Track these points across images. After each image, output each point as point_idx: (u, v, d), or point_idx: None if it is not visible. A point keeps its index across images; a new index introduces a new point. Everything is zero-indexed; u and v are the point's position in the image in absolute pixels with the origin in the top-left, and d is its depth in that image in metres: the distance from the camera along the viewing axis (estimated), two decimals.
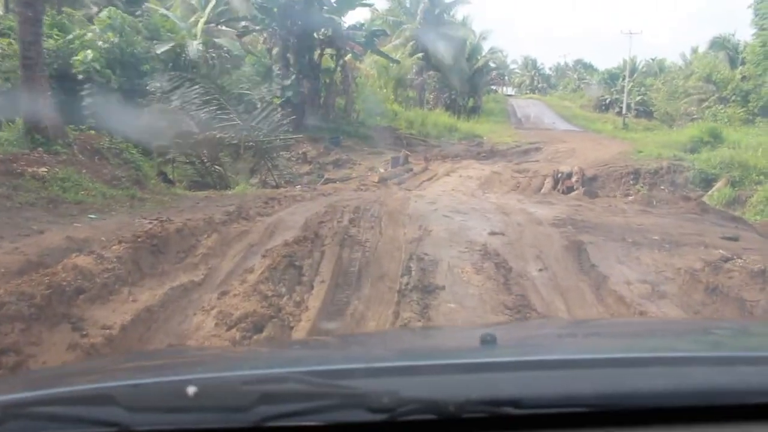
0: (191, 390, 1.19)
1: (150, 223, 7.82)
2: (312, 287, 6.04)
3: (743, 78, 40.75)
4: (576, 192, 17.29)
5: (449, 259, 7.26)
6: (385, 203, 11.09)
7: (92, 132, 13.54)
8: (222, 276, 6.25)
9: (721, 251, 8.01)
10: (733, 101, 40.37)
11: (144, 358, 2.41)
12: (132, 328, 4.70)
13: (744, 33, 51.89)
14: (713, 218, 11.45)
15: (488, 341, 1.50)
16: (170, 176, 18.23)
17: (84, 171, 11.01)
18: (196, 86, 20.22)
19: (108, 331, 4.49)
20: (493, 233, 8.92)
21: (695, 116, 40.95)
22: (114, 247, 6.06)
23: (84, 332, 4.43)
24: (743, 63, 42.82)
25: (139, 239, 6.39)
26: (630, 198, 17.92)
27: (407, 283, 6.30)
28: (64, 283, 5.00)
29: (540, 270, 7.27)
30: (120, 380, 1.45)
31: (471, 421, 1.16)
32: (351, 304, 5.78)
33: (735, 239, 8.89)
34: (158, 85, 19.58)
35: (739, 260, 6.83)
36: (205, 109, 19.53)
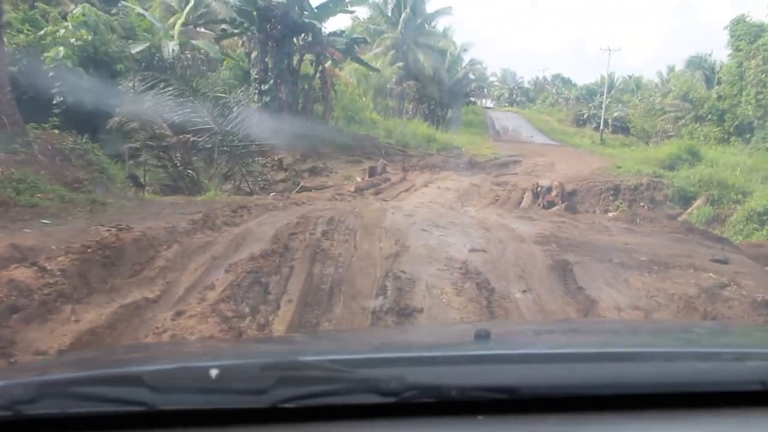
0: (214, 373, 1.25)
1: (107, 230, 7.23)
2: (278, 307, 5.52)
3: (719, 98, 40.96)
4: (557, 207, 16.91)
5: (428, 277, 6.79)
6: (361, 215, 10.58)
7: (56, 131, 12.87)
8: (180, 292, 5.70)
9: (711, 275, 7.66)
10: (709, 120, 40.61)
11: (150, 348, 2.62)
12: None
13: (720, 54, 52.28)
14: (698, 238, 11.11)
15: (482, 336, 1.60)
16: (141, 180, 17.62)
17: (43, 172, 10.36)
18: (170, 87, 19.59)
19: (41, 357, 3.94)
20: (473, 250, 8.47)
21: (671, 133, 41.23)
22: (59, 258, 5.46)
23: (12, 358, 3.88)
24: (719, 83, 43.08)
25: (88, 250, 5.80)
26: (611, 214, 17.64)
27: (382, 305, 5.82)
28: None
29: (524, 291, 6.83)
30: (147, 364, 1.55)
31: (469, 405, 1.23)
32: (320, 327, 5.28)
33: (725, 262, 8.53)
34: (130, 84, 18.95)
35: (736, 287, 6.45)
36: (178, 111, 18.91)
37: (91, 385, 1.30)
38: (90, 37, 20.22)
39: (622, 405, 1.26)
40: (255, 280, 5.87)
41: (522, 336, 2.26)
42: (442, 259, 7.73)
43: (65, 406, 1.22)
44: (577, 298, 6.60)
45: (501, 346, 1.74)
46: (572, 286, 6.99)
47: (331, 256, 7.51)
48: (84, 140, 12.84)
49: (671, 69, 57.07)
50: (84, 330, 4.48)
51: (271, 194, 15.20)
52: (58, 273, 5.14)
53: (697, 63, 49.25)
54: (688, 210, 20.16)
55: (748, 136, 37.29)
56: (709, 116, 40.79)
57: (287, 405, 1.21)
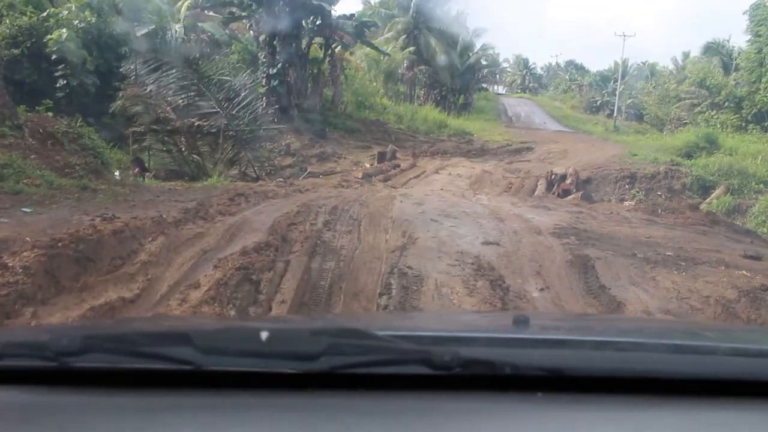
0: (264, 335, 1.22)
1: (92, 219, 6.69)
2: (270, 309, 4.96)
3: (737, 84, 39.97)
4: (573, 196, 16.28)
5: (437, 274, 6.22)
6: (367, 203, 10.01)
7: (50, 114, 12.32)
8: (163, 290, 5.14)
9: (745, 272, 7.06)
10: (727, 107, 39.59)
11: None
12: None
13: (739, 39, 51.07)
14: (725, 231, 10.51)
15: (521, 322, 1.68)
16: (145, 164, 17.16)
17: (33, 157, 9.82)
18: (173, 70, 19.06)
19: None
20: (486, 242, 7.89)
21: (686, 121, 40.36)
22: (25, 253, 4.89)
23: None
24: (737, 69, 42.07)
25: (59, 244, 5.21)
26: (627, 203, 17.07)
27: (386, 306, 5.27)
28: None
29: (541, 290, 6.27)
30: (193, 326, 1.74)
31: (519, 382, 1.24)
32: None
33: (758, 258, 7.93)
34: (132, 67, 18.44)
35: None
36: (182, 95, 18.43)
37: (137, 341, 1.28)
38: (94, 19, 19.81)
39: (666, 391, 1.27)
40: (245, 277, 5.30)
41: (557, 324, 2.33)
42: (453, 253, 7.16)
43: (110, 361, 1.21)
44: (600, 299, 6.01)
45: (542, 332, 1.79)
46: (594, 285, 6.40)
47: (332, 248, 6.95)
48: (79, 123, 12.28)
49: (686, 55, 55.93)
50: None
51: (275, 181, 14.60)
52: (20, 271, 4.58)
53: (714, 49, 48.14)
54: (708, 200, 19.49)
55: (766, 123, 36.40)
56: (727, 103, 39.72)
57: (339, 372, 1.19)
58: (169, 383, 1.20)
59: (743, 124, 37.47)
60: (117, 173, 12.72)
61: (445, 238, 7.90)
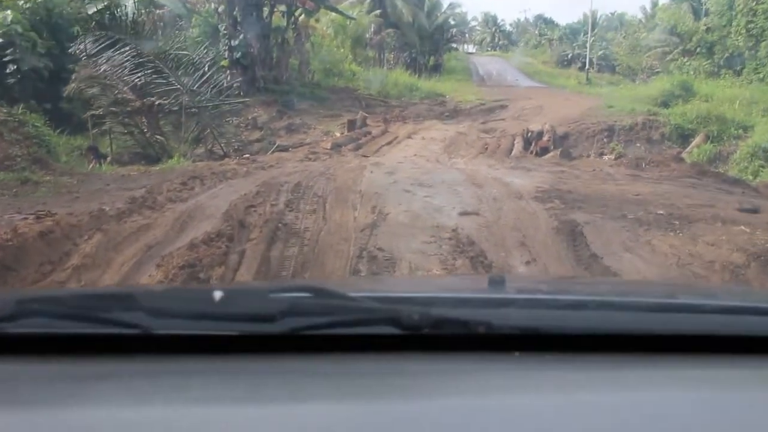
0: (218, 295, 1.13)
1: (24, 218, 5.97)
2: None
3: (708, 30, 39.56)
4: (551, 154, 15.70)
5: (410, 255, 5.61)
6: (335, 176, 9.33)
7: None
8: None
9: (743, 228, 6.54)
10: (698, 53, 39.28)
11: None
12: None
13: None
14: (713, 182, 10.01)
15: (497, 282, 1.67)
16: (104, 150, 16.34)
17: None
18: (127, 48, 18.11)
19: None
20: (464, 213, 7.28)
21: (658, 69, 40.14)
22: None
23: None
24: (707, 14, 41.67)
25: None
26: (606, 157, 16.61)
27: None
28: None
29: (527, 263, 5.71)
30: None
31: (493, 342, 1.20)
32: None
33: (755, 211, 7.41)
34: (81, 47, 17.48)
35: None
36: (139, 73, 17.52)
37: (77, 304, 1.17)
38: None
39: (648, 348, 1.23)
40: (192, 275, 4.64)
41: (533, 285, 2.29)
42: (428, 228, 6.54)
43: (48, 326, 1.11)
44: (592, 269, 5.46)
45: (518, 292, 1.76)
46: (585, 254, 5.85)
47: (295, 231, 6.30)
48: (21, 110, 11.42)
49: (655, 3, 55.50)
50: None
51: (235, 159, 13.83)
52: None
53: None
54: (688, 149, 19.08)
55: (739, 68, 36.14)
56: (698, 49, 39.42)
57: (300, 333, 1.11)
58: (113, 349, 1.12)
59: (716, 69, 37.23)
60: (70, 160, 11.90)
61: (419, 211, 7.27)
